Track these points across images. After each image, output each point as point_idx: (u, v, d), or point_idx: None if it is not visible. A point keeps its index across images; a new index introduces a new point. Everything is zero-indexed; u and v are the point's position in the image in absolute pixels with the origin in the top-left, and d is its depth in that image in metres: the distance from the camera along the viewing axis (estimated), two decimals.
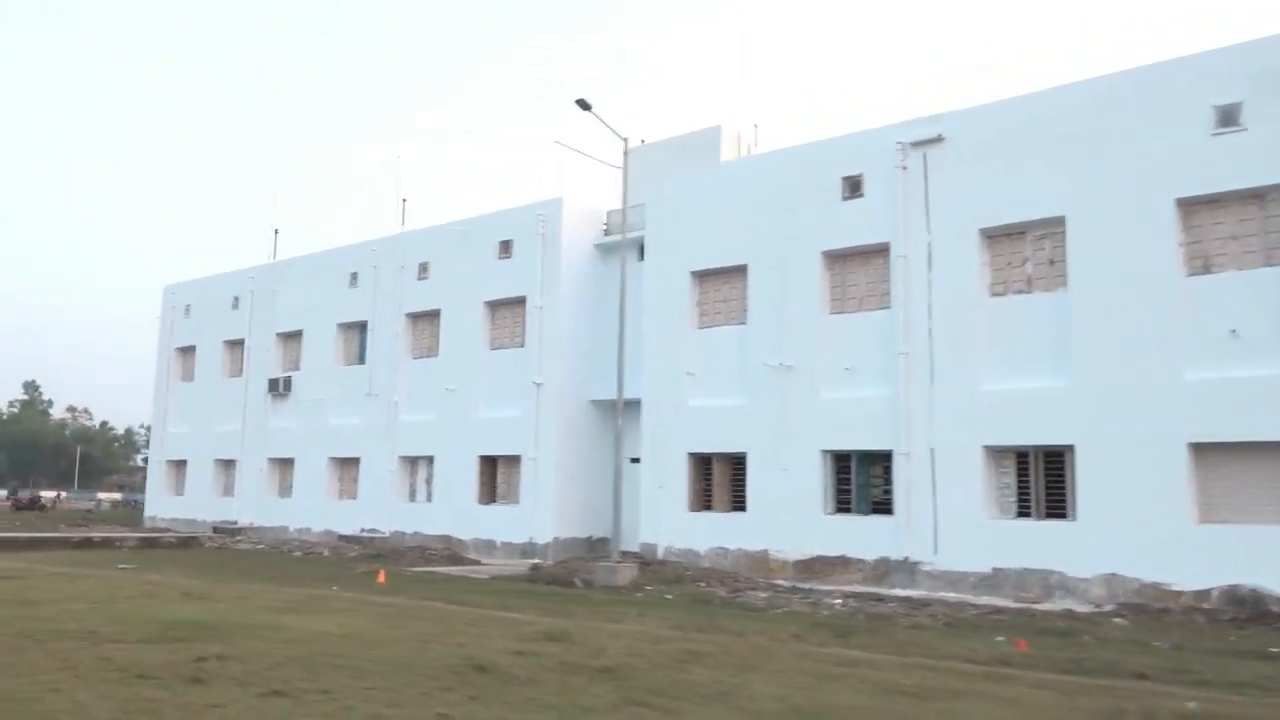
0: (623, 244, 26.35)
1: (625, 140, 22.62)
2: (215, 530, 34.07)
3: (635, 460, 26.52)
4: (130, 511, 65.22)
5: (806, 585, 19.93)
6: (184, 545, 27.46)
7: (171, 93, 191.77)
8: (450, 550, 27.05)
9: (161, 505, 38.09)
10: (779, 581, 20.53)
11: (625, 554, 24.29)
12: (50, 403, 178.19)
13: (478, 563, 24.72)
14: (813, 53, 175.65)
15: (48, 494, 75.05)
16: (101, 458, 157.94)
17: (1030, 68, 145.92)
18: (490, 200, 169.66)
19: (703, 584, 19.30)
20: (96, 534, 26.48)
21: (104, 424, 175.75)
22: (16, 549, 24.22)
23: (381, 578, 19.18)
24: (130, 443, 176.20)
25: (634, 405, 26.48)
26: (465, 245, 29.00)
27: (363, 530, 30.29)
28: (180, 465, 38.23)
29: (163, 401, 38.92)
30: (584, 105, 19.36)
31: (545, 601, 16.44)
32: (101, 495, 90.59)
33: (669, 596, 17.47)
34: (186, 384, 38.46)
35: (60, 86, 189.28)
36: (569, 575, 19.61)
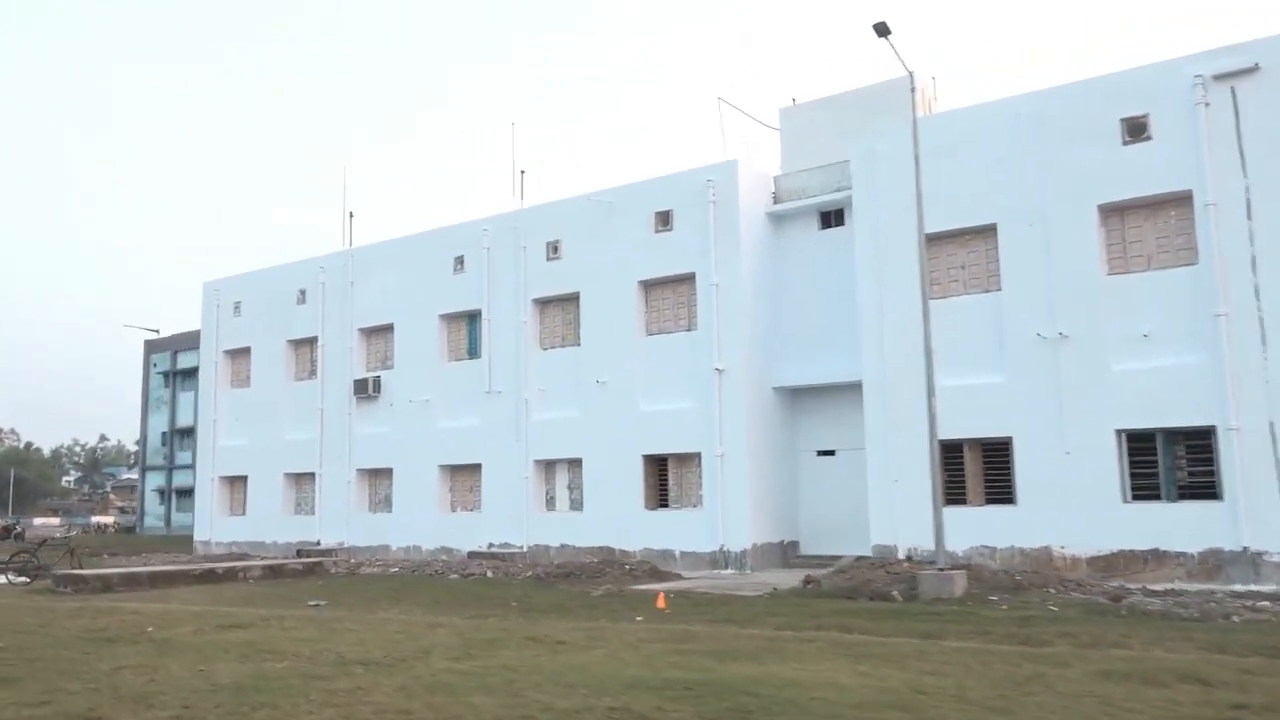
0: (799, 211, 23.65)
1: (786, 103, 19.59)
2: (299, 553, 30.08)
3: (827, 453, 23.63)
4: (130, 537, 60.07)
5: (1136, 585, 17.18)
6: (310, 573, 23.64)
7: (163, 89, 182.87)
8: (614, 561, 23.71)
9: (217, 528, 33.86)
10: (1071, 579, 17.75)
11: (856, 559, 21.37)
12: None
13: (679, 576, 21.49)
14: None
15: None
16: (35, 480, 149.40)
17: None
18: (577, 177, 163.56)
19: (1032, 588, 16.40)
20: (218, 565, 22.54)
21: (29, 444, 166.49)
22: (142, 586, 20.26)
23: (661, 602, 15.94)
24: (59, 464, 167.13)
25: (817, 391, 23.67)
26: (610, 219, 25.68)
27: (491, 545, 26.76)
28: (238, 482, 34.05)
29: (210, 411, 34.65)
30: (882, 31, 16.33)
31: (914, 623, 13.49)
32: (95, 519, 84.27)
33: (1053, 608, 14.57)
34: (240, 390, 34.28)
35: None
36: (868, 587, 16.57)
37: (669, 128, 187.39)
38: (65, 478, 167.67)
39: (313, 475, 31.55)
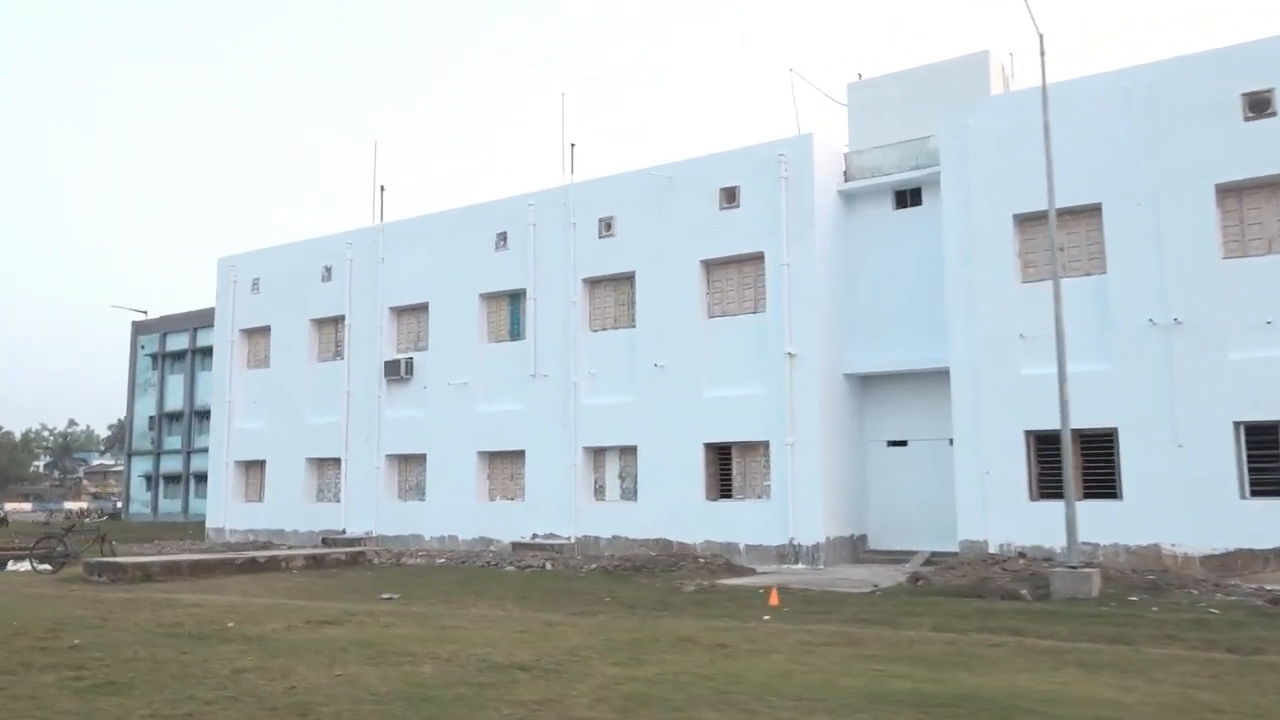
0: (872, 189, 22.62)
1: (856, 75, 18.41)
2: (325, 541, 28.65)
3: (898, 443, 22.54)
4: (117, 524, 57.98)
5: (1252, 585, 16.15)
6: (354, 563, 22.24)
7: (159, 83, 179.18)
8: (682, 554, 22.48)
9: (231, 515, 32.29)
10: (1204, 580, 16.71)
11: (930, 555, 20.29)
12: None
13: (753, 571, 20.30)
14: None
15: None
16: (6, 465, 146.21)
17: None
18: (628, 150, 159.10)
19: (1169, 588, 15.33)
20: (259, 554, 21.10)
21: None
22: (182, 575, 18.82)
23: (775, 599, 14.73)
24: (28, 449, 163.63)
25: (888, 379, 22.61)
26: (669, 195, 24.40)
27: (535, 536, 25.45)
28: (255, 467, 32.50)
29: (225, 392, 33.05)
30: None
31: (1080, 625, 12.40)
32: (68, 505, 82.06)
33: (1213, 610, 13.47)
34: (258, 370, 32.70)
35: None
36: (988, 585, 15.44)
37: (721, 102, 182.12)
38: (35, 463, 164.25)
39: (338, 461, 30.07)
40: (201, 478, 64.85)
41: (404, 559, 23.69)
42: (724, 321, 23.59)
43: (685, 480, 23.39)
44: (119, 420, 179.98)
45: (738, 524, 22.60)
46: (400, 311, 29.47)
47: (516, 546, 25.12)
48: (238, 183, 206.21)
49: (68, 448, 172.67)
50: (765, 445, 22.69)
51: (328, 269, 30.83)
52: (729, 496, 23.22)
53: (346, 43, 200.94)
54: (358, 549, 23.36)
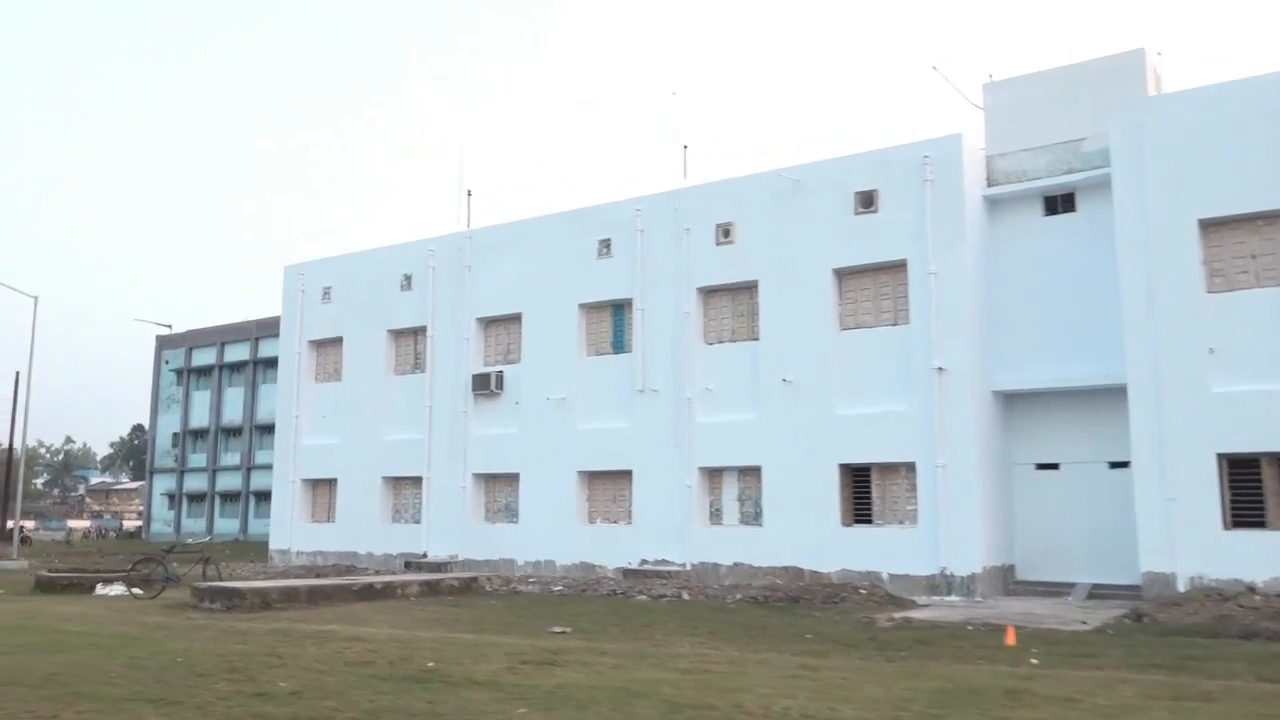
0: (1020, 195, 21.28)
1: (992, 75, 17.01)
2: (407, 565, 26.97)
3: (1048, 466, 21.01)
4: (143, 544, 55.99)
5: None
6: (468, 590, 20.57)
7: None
8: (810, 584, 20.88)
9: (298, 536, 30.56)
10: None
11: (1094, 586, 18.74)
12: None
13: (913, 603, 18.70)
14: None
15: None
16: (8, 482, 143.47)
17: None
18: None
19: None
20: (374, 580, 19.40)
21: None
22: (300, 603, 17.15)
23: (1011, 638, 13.14)
24: (28, 466, 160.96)
25: (1038, 397, 21.13)
26: (797, 199, 22.94)
27: (644, 562, 23.82)
28: (324, 486, 30.81)
29: (292, 407, 31.39)
30: None
31: None
32: (71, 524, 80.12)
33: None
34: (328, 384, 31.08)
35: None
36: (1235, 625, 13.86)
37: (832, 106, 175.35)
38: (34, 480, 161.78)
39: (418, 480, 28.42)
40: (228, 496, 63.19)
41: (516, 586, 22.01)
42: (859, 334, 22.07)
43: (817, 504, 21.80)
44: (121, 437, 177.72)
45: (879, 552, 21.00)
46: (489, 322, 27.91)
47: (628, 573, 23.48)
48: (254, 195, 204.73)
49: (68, 465, 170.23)
50: (908, 467, 21.13)
51: (408, 277, 29.28)
52: (867, 522, 21.63)
53: (426, 40, 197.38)
54: (471, 576, 21.66)
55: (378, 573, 24.56)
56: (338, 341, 30.88)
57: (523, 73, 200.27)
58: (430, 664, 10.77)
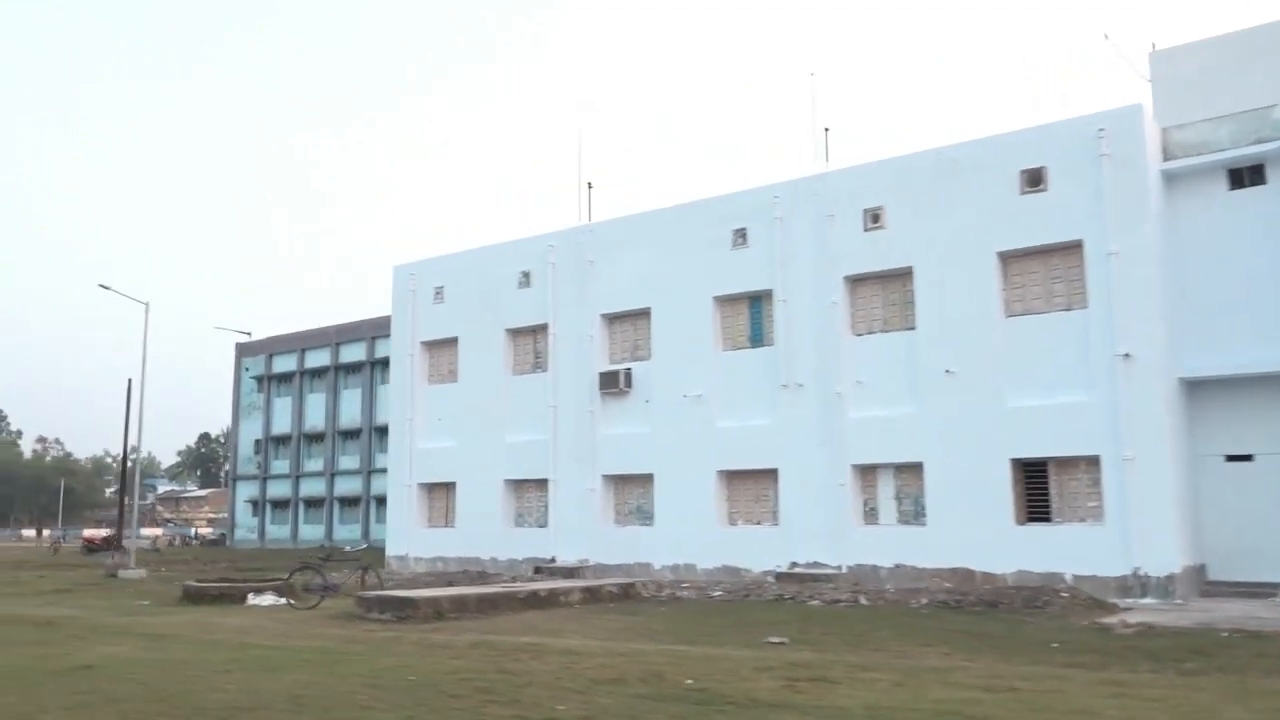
0: (1202, 168, 19.94)
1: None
2: (537, 571, 26.12)
3: (1241, 458, 19.56)
4: (228, 550, 55.88)
5: None
6: (626, 597, 19.65)
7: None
8: (980, 585, 19.64)
9: (415, 542, 29.85)
10: None
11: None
12: (19, 433, 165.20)
13: (1115, 607, 17.38)
14: None
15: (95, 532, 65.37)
16: (83, 491, 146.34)
17: None
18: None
19: None
20: (539, 588, 18.52)
21: (68, 454, 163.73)
22: (470, 612, 16.29)
23: None
24: (100, 475, 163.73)
25: (1227, 384, 19.72)
26: (953, 180, 21.72)
27: (795, 565, 22.71)
28: (440, 490, 30.09)
29: (406, 409, 30.71)
30: None
31: None
32: (145, 532, 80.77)
33: None
34: (442, 386, 30.36)
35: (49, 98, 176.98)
36: None
37: (974, 86, 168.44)
38: (106, 490, 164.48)
39: (543, 483, 27.56)
40: (312, 502, 63.09)
41: (673, 591, 21.02)
42: (1029, 320, 20.79)
43: (987, 501, 20.55)
44: (188, 446, 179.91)
45: (1060, 552, 19.69)
46: (614, 319, 26.98)
47: (781, 577, 22.39)
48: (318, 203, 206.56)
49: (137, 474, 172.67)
50: (1089, 461, 19.81)
51: (525, 274, 28.46)
52: (1043, 520, 20.33)
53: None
54: (625, 581, 20.70)
55: (511, 579, 23.59)
56: (452, 342, 30.14)
57: (641, 59, 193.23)
58: (688, 681, 9.81)
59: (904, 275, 22.38)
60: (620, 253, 26.64)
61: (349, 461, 61.72)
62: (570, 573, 25.39)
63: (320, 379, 63.82)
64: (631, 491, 26.27)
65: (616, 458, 26.13)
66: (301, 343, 65.08)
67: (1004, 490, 20.46)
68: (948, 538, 20.87)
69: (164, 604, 19.74)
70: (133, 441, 39.04)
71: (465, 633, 14.48)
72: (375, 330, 57.11)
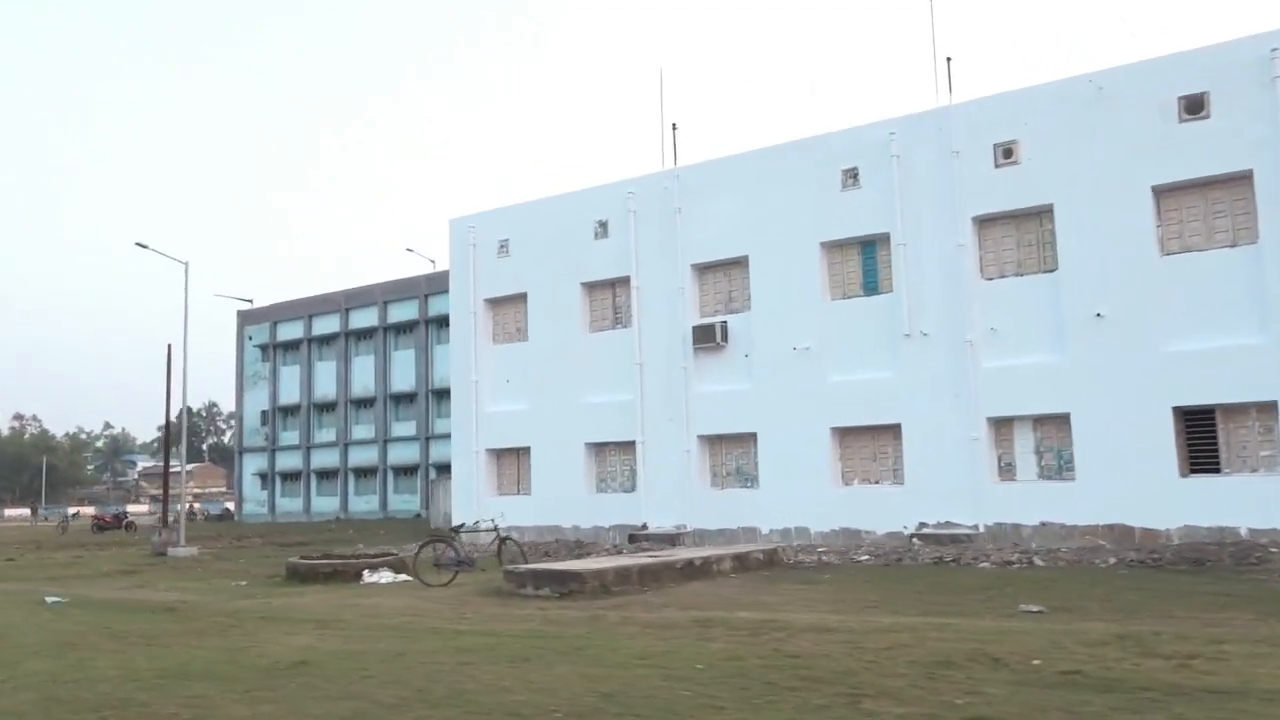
0: None
1: None
2: (631, 539, 24.58)
3: None
4: (241, 525, 53.88)
5: None
6: (771, 564, 18.15)
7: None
8: (1143, 542, 18.33)
9: (485, 511, 28.11)
10: None
11: None
12: None
13: None
14: None
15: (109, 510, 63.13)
16: (66, 468, 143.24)
17: None
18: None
19: None
20: (694, 557, 16.92)
21: (45, 432, 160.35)
22: (633, 585, 14.72)
23: None
24: (80, 452, 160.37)
25: None
26: (1097, 110, 20.16)
27: (925, 526, 21.30)
28: (509, 455, 28.41)
29: (469, 371, 28.93)
30: None
31: None
32: (130, 508, 78.50)
33: None
34: (509, 344, 28.60)
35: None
36: None
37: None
38: (86, 467, 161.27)
39: (628, 445, 25.96)
40: (324, 474, 61.16)
41: (819, 557, 19.55)
42: (1187, 259, 19.34)
43: (1144, 453, 19.19)
44: (171, 420, 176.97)
45: (1234, 504, 18.39)
46: (705, 269, 25.30)
47: (915, 538, 20.99)
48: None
49: (116, 450, 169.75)
50: (1264, 407, 18.48)
51: (603, 224, 26.67)
52: (1210, 471, 19.00)
53: None
54: (771, 548, 19.15)
55: (613, 548, 21.89)
56: (519, 299, 28.35)
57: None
58: (1034, 661, 8.30)
59: (1042, 214, 20.86)
60: (712, 198, 24.91)
61: (363, 431, 59.83)
62: (671, 539, 23.88)
63: (329, 346, 61.69)
64: (730, 452, 24.74)
65: (713, 416, 24.57)
66: (308, 309, 62.87)
67: (1165, 441, 19.10)
68: (1101, 492, 19.51)
69: (266, 584, 18.01)
70: (175, 408, 36.86)
71: (659, 608, 12.91)
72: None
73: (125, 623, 12.76)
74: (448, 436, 47.16)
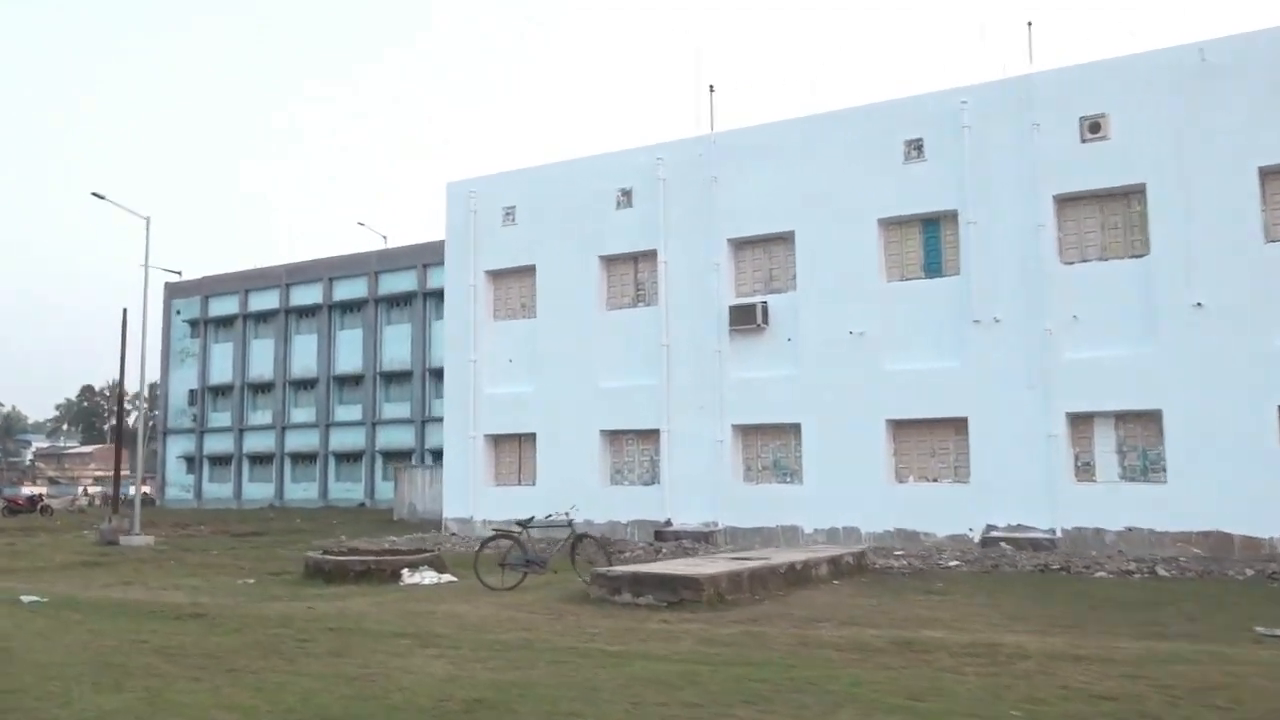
0: None
1: None
2: (659, 535, 22.44)
3: None
4: (169, 511, 49.82)
5: None
6: (860, 568, 16.14)
7: None
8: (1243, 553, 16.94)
9: (481, 502, 25.73)
10: None
11: None
12: None
13: None
14: None
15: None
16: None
17: None
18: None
19: None
20: (794, 560, 14.77)
21: None
22: (744, 594, 12.62)
23: None
24: None
25: None
26: (1201, 81, 18.68)
27: (993, 529, 19.65)
28: (510, 442, 25.98)
29: (467, 350, 26.38)
30: None
31: None
32: (26, 490, 73.18)
33: None
34: (514, 321, 26.16)
35: None
36: None
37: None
38: None
39: (651, 434, 23.79)
40: (258, 459, 57.45)
41: (910, 562, 17.64)
42: None
43: (1246, 453, 17.78)
44: (68, 399, 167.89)
45: None
46: (743, 244, 23.27)
47: (986, 543, 19.28)
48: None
49: (9, 429, 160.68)
50: None
51: (626, 192, 24.41)
52: None
53: None
54: (859, 551, 17.14)
55: (652, 547, 19.66)
56: (527, 271, 25.92)
57: None
58: None
59: (1131, 194, 19.34)
60: (753, 167, 22.86)
61: (303, 414, 56.32)
62: (703, 538, 21.82)
63: (268, 324, 57.95)
64: (766, 444, 22.75)
65: (751, 404, 22.55)
66: (244, 283, 59.04)
67: (1270, 441, 17.72)
68: (1196, 496, 18.05)
69: (282, 584, 15.35)
70: (138, 381, 33.23)
71: (807, 623, 10.83)
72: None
73: (159, 634, 10.19)
74: (399, 421, 44.32)
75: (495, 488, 25.88)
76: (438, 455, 48.54)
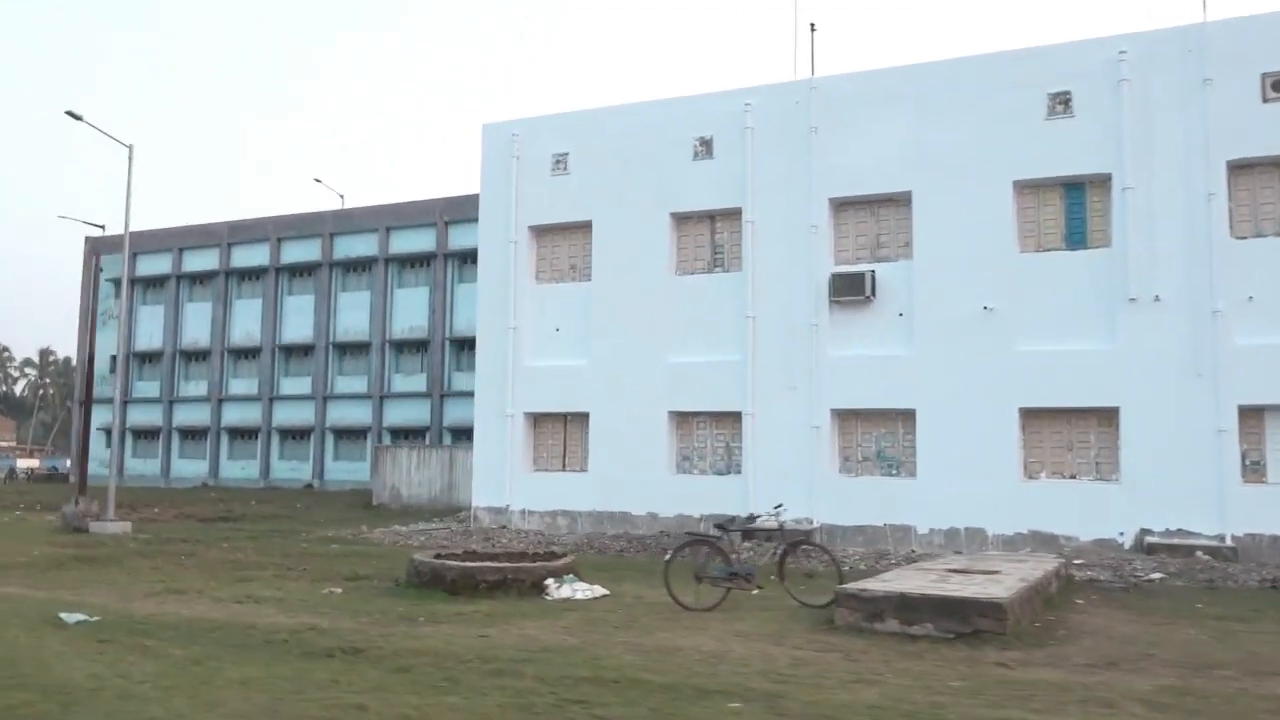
0: None
1: None
2: (746, 535, 19.54)
3: None
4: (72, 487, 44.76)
5: None
6: (1068, 582, 13.56)
7: None
8: None
9: (517, 490, 22.51)
10: None
11: None
12: None
13: None
14: None
15: None
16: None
17: None
18: None
19: None
20: (1044, 574, 12.09)
21: None
22: (1027, 616, 9.92)
23: None
24: None
25: None
26: None
27: (1148, 534, 17.39)
28: (557, 422, 22.80)
29: (505, 316, 23.06)
30: None
31: None
32: (21, 463, 66.93)
33: None
34: (563, 285, 22.96)
35: None
36: None
37: None
38: None
39: (732, 417, 20.94)
40: (190, 433, 52.66)
41: (1143, 575, 15.12)
42: None
43: None
44: None
45: None
46: (846, 205, 20.52)
47: (1151, 549, 16.98)
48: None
49: None
50: None
51: (705, 142, 21.44)
52: None
53: None
54: (1057, 561, 14.51)
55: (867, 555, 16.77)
56: (581, 228, 22.73)
57: None
58: None
59: None
60: (862, 119, 20.13)
61: (243, 386, 51.73)
62: (804, 536, 18.99)
63: (205, 286, 53.09)
64: (869, 432, 20.12)
65: (854, 387, 19.87)
66: (178, 240, 54.04)
67: None
68: None
69: (375, 593, 12.03)
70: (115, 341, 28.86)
71: (1180, 670, 8.18)
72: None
73: (340, 686, 6.99)
74: (353, 397, 40.71)
75: (533, 474, 22.67)
76: (401, 434, 45.01)
